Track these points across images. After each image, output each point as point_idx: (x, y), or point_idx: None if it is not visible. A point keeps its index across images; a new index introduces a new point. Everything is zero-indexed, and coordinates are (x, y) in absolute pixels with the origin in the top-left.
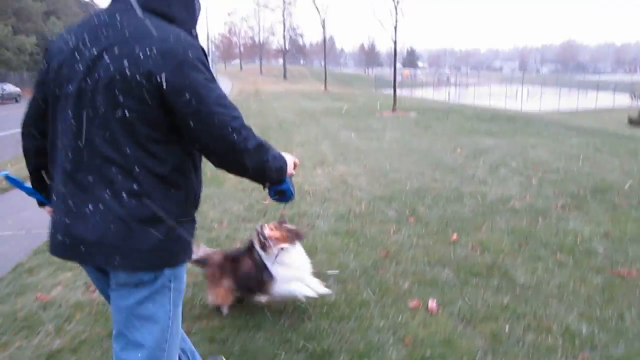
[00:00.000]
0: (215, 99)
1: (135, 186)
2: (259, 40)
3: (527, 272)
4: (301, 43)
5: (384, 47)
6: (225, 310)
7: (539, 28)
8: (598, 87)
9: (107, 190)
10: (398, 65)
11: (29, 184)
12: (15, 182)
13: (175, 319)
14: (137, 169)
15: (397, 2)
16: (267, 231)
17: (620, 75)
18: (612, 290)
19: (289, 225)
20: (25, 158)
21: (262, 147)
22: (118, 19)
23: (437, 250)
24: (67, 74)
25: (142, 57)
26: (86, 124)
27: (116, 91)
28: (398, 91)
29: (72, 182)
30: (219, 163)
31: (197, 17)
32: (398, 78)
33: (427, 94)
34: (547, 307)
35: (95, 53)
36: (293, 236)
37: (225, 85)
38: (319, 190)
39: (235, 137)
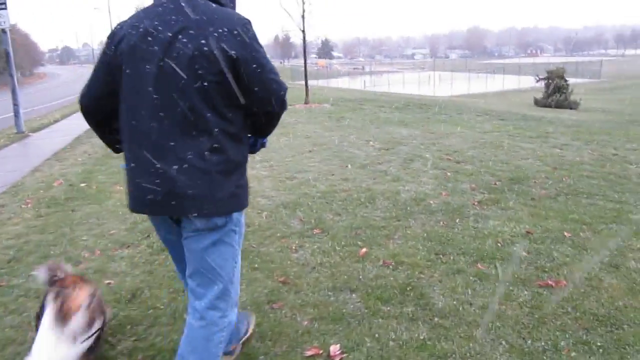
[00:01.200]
0: (271, 69)
1: (215, 145)
2: None
3: (445, 292)
4: None
5: (299, 38)
6: None
7: (447, 15)
8: (504, 70)
9: (190, 152)
10: (313, 56)
11: None
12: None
13: (239, 258)
14: (215, 131)
15: None
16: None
17: (523, 58)
18: (542, 307)
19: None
20: (98, 131)
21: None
22: (184, 5)
23: (344, 270)
24: (142, 56)
25: (216, 36)
26: (168, 96)
27: (196, 66)
28: (314, 82)
29: (156, 148)
30: (264, 121)
31: (235, 4)
32: (314, 69)
33: (343, 83)
34: (471, 341)
35: (170, 35)
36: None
37: None
38: None
39: (283, 100)
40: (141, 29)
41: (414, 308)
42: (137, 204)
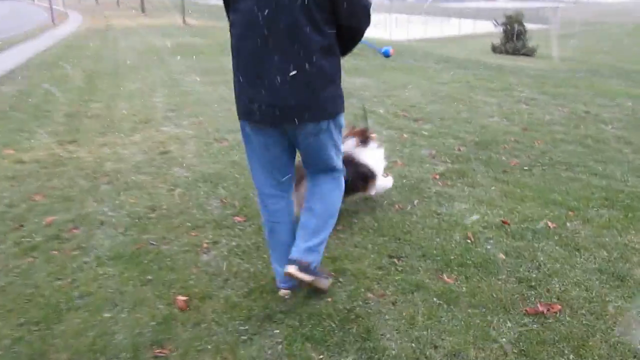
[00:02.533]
0: None
1: (314, 58)
2: None
3: (401, 326)
4: None
5: None
6: None
7: None
8: (461, 14)
9: (292, 65)
10: None
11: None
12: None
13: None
14: (313, 45)
15: None
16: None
17: (481, 2)
18: (533, 354)
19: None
20: None
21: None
22: None
23: (268, 286)
24: None
25: None
26: (272, 14)
27: None
28: None
29: (261, 63)
30: (348, 37)
31: None
32: None
33: None
34: None
35: None
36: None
37: (75, 20)
38: (124, 171)
39: (367, 15)
40: None
41: (356, 356)
42: (245, 113)
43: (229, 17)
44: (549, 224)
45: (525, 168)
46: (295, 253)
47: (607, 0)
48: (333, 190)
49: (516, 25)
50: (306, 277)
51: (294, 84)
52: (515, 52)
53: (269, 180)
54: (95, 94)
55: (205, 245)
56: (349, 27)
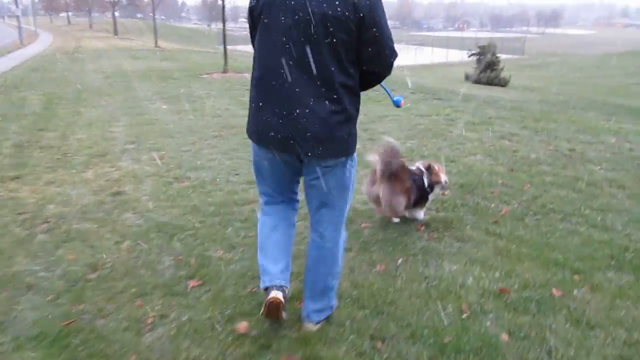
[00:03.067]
0: (388, 35)
1: (334, 95)
2: None
3: None
4: None
5: (228, 2)
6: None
7: None
8: (433, 43)
9: (312, 99)
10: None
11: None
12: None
13: (351, 194)
14: (336, 83)
15: None
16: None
17: (451, 32)
18: None
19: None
20: None
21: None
22: None
23: None
24: (280, 7)
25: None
26: (299, 47)
27: (328, 24)
28: (243, 47)
29: (282, 92)
30: (369, 79)
31: None
32: (243, 33)
33: None
34: None
35: None
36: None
37: (45, 41)
38: (68, 216)
39: (390, 64)
40: None
41: None
42: (260, 139)
43: (253, 45)
44: (554, 292)
45: (518, 217)
46: (310, 316)
47: (572, 32)
48: (336, 252)
49: (489, 56)
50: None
51: (313, 117)
52: (489, 82)
53: (275, 192)
54: (51, 122)
55: (150, 319)
56: (371, 72)
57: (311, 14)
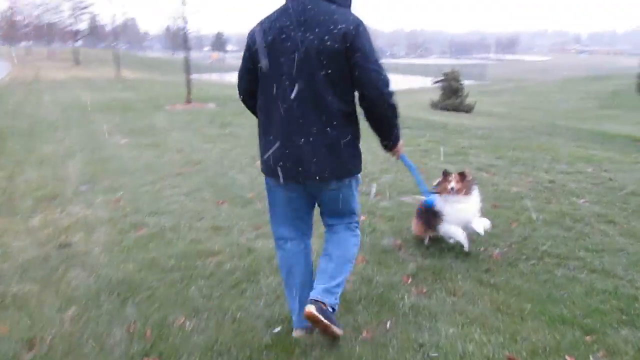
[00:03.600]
0: (374, 60)
1: (334, 122)
2: (47, 21)
3: None
4: (95, 24)
5: (193, 29)
6: (426, 241)
7: None
8: (397, 70)
9: (314, 128)
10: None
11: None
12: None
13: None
14: (335, 111)
15: None
16: (451, 179)
17: (413, 59)
18: None
19: (469, 178)
20: (251, 110)
21: (396, 109)
22: (309, 7)
23: None
24: (277, 49)
25: (336, 33)
26: (298, 84)
27: (321, 58)
28: (207, 76)
29: (287, 124)
30: (367, 106)
31: (351, 3)
32: (207, 62)
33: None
34: None
35: (300, 33)
36: (470, 187)
37: (1, 71)
38: (6, 275)
39: (382, 90)
40: (277, 27)
41: None
42: (270, 170)
43: (241, 74)
44: (568, 359)
45: (511, 263)
46: (314, 294)
47: (529, 58)
48: (349, 238)
49: (453, 82)
50: (323, 320)
51: (316, 145)
52: (455, 109)
53: (291, 227)
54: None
55: None
56: (365, 97)
57: (306, 52)
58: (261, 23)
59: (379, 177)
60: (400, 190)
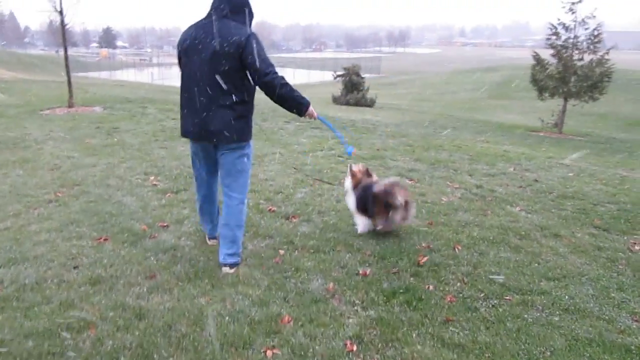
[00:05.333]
0: (263, 61)
1: (228, 103)
2: None
3: None
4: None
5: (77, 25)
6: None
7: None
8: (295, 64)
9: (218, 103)
10: (94, 45)
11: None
12: (327, 124)
13: (249, 173)
14: (232, 94)
15: None
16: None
17: (309, 53)
18: None
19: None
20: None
21: (286, 85)
22: (216, 23)
23: None
24: (193, 51)
25: (231, 41)
26: (208, 73)
27: (222, 59)
28: (95, 74)
29: (200, 101)
30: (267, 93)
31: (251, 21)
32: (95, 59)
33: (129, 75)
34: None
35: (207, 40)
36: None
37: None
38: None
39: (270, 78)
40: (193, 35)
41: None
42: (185, 132)
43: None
44: None
45: (470, 307)
46: (225, 259)
47: (420, 51)
48: (238, 209)
49: (354, 77)
50: (234, 270)
51: (220, 116)
52: (356, 103)
53: (201, 178)
54: None
55: None
56: (261, 85)
57: (211, 54)
58: (185, 32)
59: (294, 194)
60: (319, 208)
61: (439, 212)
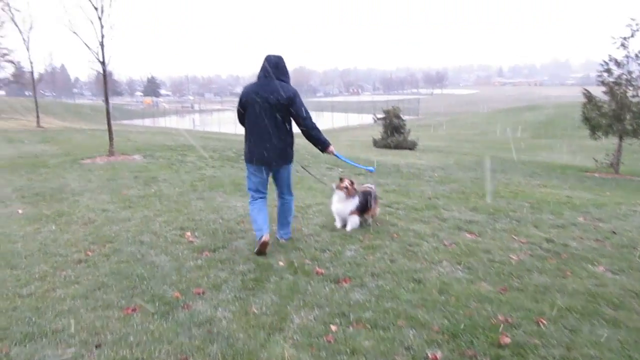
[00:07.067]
0: (303, 111)
1: (282, 137)
2: None
3: None
4: (19, 71)
5: (123, 75)
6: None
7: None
8: (332, 108)
9: (275, 139)
10: (139, 93)
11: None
12: (343, 158)
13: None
14: (284, 132)
15: (102, 12)
16: (345, 181)
17: (347, 96)
18: None
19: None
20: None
21: (316, 129)
22: (269, 82)
23: None
24: (255, 102)
25: (283, 95)
26: (269, 118)
27: (277, 107)
28: (139, 122)
29: (264, 136)
30: (303, 133)
31: (289, 78)
32: (140, 107)
33: (171, 122)
34: None
35: (265, 95)
36: (354, 194)
37: None
38: None
39: (305, 123)
40: (253, 91)
41: None
42: (252, 160)
43: (240, 121)
44: None
45: None
46: (281, 236)
47: (457, 92)
48: (290, 204)
49: (394, 119)
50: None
51: (277, 147)
52: (397, 146)
53: (256, 191)
54: None
55: None
56: (300, 125)
57: (268, 103)
58: (246, 88)
59: (342, 251)
60: (374, 269)
61: (510, 274)
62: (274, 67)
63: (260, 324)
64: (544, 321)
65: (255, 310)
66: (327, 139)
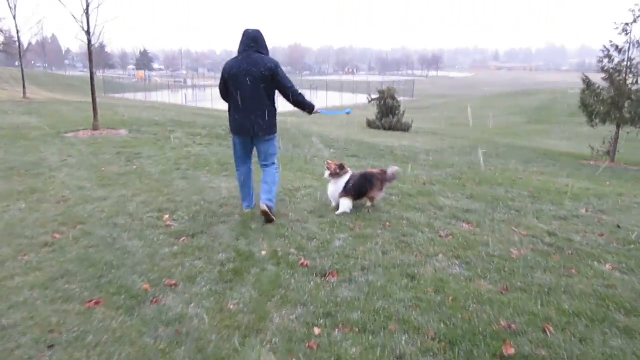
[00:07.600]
0: (287, 80)
1: (266, 109)
2: None
3: None
4: (8, 41)
5: (115, 47)
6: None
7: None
8: (327, 87)
9: (259, 111)
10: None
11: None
12: (326, 112)
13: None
14: (267, 104)
15: None
16: (332, 165)
17: (342, 76)
18: None
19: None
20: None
21: (301, 95)
22: (251, 55)
23: None
24: (238, 76)
25: (267, 66)
26: (252, 90)
27: (261, 79)
28: (131, 95)
29: (248, 109)
30: (289, 99)
31: (269, 52)
32: (132, 80)
33: (163, 97)
34: None
35: (248, 68)
36: (341, 175)
37: None
38: None
39: (291, 91)
40: (236, 64)
41: None
42: (236, 130)
43: (221, 93)
44: None
45: None
46: (264, 202)
47: (453, 75)
48: (274, 173)
49: (389, 100)
50: (270, 214)
51: (262, 119)
52: (391, 127)
53: (242, 160)
54: None
55: None
56: (286, 95)
57: (251, 76)
58: (228, 63)
59: (331, 241)
60: (364, 262)
61: (512, 272)
62: (254, 41)
63: (236, 323)
64: (551, 328)
65: (232, 307)
66: (312, 102)
